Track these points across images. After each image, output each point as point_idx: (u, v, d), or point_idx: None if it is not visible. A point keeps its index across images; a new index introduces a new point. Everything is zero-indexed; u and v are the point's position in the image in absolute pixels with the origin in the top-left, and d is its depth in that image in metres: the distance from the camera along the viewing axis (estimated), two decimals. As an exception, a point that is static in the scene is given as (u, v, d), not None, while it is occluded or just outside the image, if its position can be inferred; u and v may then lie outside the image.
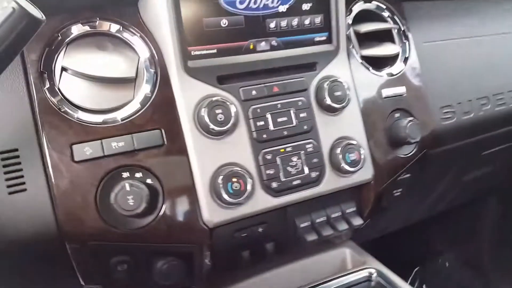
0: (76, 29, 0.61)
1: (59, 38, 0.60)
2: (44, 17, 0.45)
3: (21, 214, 0.56)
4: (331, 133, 0.71)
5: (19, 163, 0.56)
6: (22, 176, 0.56)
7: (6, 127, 0.57)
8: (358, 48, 0.81)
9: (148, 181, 0.59)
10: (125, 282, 0.62)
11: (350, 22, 0.81)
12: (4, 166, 0.56)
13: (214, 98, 0.62)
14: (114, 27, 0.63)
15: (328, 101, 0.70)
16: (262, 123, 0.66)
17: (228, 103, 0.63)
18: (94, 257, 0.60)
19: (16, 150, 0.57)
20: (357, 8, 0.83)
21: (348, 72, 0.76)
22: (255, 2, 0.66)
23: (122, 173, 0.58)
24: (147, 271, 0.63)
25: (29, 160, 0.57)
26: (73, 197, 0.56)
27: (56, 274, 0.65)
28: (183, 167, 0.62)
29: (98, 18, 0.62)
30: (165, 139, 0.61)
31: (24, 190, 0.56)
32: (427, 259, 1.62)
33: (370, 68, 0.81)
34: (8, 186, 0.55)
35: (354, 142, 0.71)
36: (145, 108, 0.61)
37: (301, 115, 0.69)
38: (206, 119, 0.61)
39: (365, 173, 0.74)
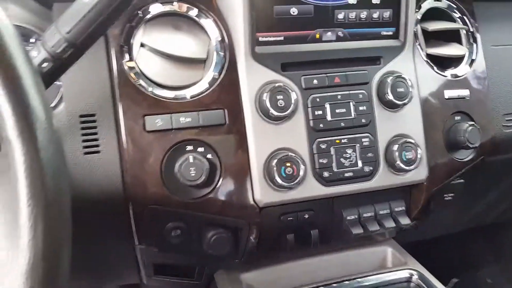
0: (155, 8, 0.65)
1: (140, 15, 0.64)
2: None
3: (93, 173, 0.62)
4: (389, 129, 0.71)
5: (95, 127, 0.62)
6: (97, 139, 0.62)
7: (87, 93, 0.62)
8: (424, 46, 0.79)
9: (209, 156, 0.63)
10: (176, 246, 0.66)
11: (419, 18, 0.80)
12: (82, 128, 0.62)
13: (276, 84, 0.64)
14: (190, 9, 0.66)
15: (389, 96, 0.70)
16: (320, 112, 0.67)
17: (289, 90, 0.65)
18: (152, 220, 0.64)
19: (94, 115, 0.62)
20: (427, 5, 0.81)
21: (412, 69, 0.75)
22: (325, -8, 0.67)
23: (187, 146, 0.62)
24: (197, 239, 0.67)
25: (105, 125, 0.62)
26: (141, 163, 0.61)
27: (114, 233, 0.70)
28: (241, 147, 0.65)
29: (176, 0, 0.65)
30: (227, 119, 0.64)
31: (98, 152, 0.62)
32: (467, 272, 1.57)
33: (435, 67, 0.79)
34: (84, 147, 0.61)
35: (412, 141, 0.71)
36: (212, 88, 0.65)
37: (361, 108, 0.69)
38: (267, 103, 0.63)
39: (419, 173, 0.74)
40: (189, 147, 0.62)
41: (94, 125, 0.62)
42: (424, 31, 0.80)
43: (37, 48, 0.48)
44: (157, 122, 0.61)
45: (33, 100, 0.32)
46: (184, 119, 0.62)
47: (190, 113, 0.63)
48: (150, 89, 0.63)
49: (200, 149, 0.63)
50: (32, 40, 0.68)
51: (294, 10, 0.66)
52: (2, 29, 0.32)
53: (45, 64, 0.47)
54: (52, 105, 0.64)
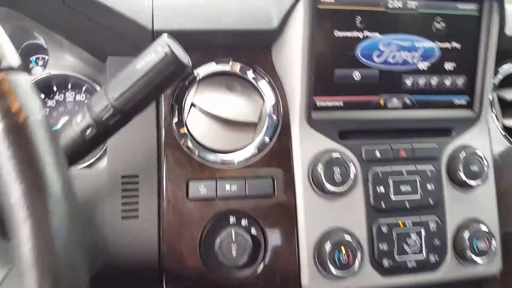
0: (210, 68, 0.62)
1: (193, 75, 0.61)
2: (190, 63, 0.45)
3: (128, 239, 0.57)
4: (460, 213, 0.62)
5: (137, 189, 0.58)
6: (137, 203, 0.57)
7: (132, 152, 0.59)
8: (501, 117, 0.70)
9: (253, 231, 0.57)
10: None
11: (496, 84, 0.71)
12: (123, 190, 0.58)
13: (333, 155, 0.58)
14: (245, 70, 0.62)
15: (461, 175, 0.61)
16: (382, 189, 0.60)
17: (347, 162, 0.58)
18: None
19: (137, 176, 0.58)
20: (506, 70, 0.73)
21: (488, 144, 0.66)
22: (393, 57, 0.61)
23: (230, 217, 0.57)
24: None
25: (147, 188, 0.58)
26: (180, 233, 0.56)
27: None
28: (289, 223, 0.58)
29: (231, 59, 0.62)
30: (276, 190, 0.58)
31: (137, 217, 0.57)
32: None
33: (513, 142, 0.69)
34: (123, 211, 0.57)
35: (485, 228, 0.61)
36: (261, 154, 0.59)
37: (428, 186, 0.61)
38: (322, 177, 0.57)
39: (492, 266, 0.63)
40: (232, 219, 0.57)
41: (135, 187, 0.58)
42: (502, 100, 0.71)
43: (83, 113, 0.45)
44: (200, 189, 0.56)
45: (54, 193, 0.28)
46: (229, 187, 0.57)
47: (237, 180, 0.57)
48: (196, 151, 0.59)
49: (244, 222, 0.57)
50: (84, 88, 0.68)
51: (357, 74, 0.61)
52: (33, 122, 0.29)
53: (89, 130, 0.44)
54: (90, 162, 0.61)
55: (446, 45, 0.63)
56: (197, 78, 0.61)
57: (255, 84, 0.63)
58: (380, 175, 0.60)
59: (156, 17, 0.56)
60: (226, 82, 0.62)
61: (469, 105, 0.65)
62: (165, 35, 0.44)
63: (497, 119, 0.70)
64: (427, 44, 0.62)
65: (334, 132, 0.61)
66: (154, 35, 0.56)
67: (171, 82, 0.45)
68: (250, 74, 0.62)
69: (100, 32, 0.58)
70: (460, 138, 0.64)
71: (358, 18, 0.59)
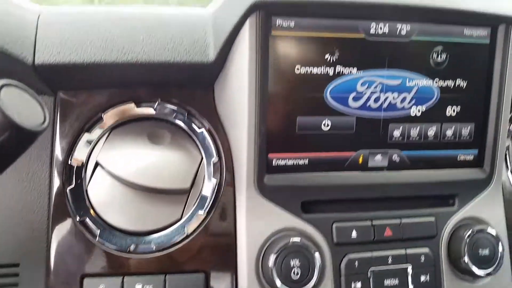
0: (126, 111, 0.45)
1: (102, 121, 0.44)
2: (45, 124, 0.29)
3: None
4: (466, 315, 0.46)
5: (16, 285, 0.41)
6: None
7: (12, 232, 0.42)
8: (519, 174, 0.55)
9: None
10: None
11: (511, 129, 0.56)
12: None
13: (291, 240, 0.41)
14: (177, 114, 0.46)
15: (466, 262, 0.46)
16: (359, 285, 0.43)
17: (311, 249, 0.42)
18: None
19: (17, 265, 0.42)
20: (523, 113, 0.57)
21: (502, 215, 0.51)
22: (376, 100, 0.45)
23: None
24: None
25: (29, 283, 0.41)
26: None
27: None
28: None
29: (159, 99, 0.46)
30: (210, 290, 0.42)
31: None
32: None
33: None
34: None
35: None
36: (192, 237, 0.43)
37: (422, 278, 0.46)
38: (274, 272, 0.41)
39: None
40: None
41: (14, 281, 0.42)
42: (518, 152, 0.56)
43: None
44: (99, 291, 0.40)
45: None
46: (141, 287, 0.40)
47: (153, 276, 0.42)
48: (98, 232, 0.42)
49: None
50: None
51: (327, 123, 0.45)
52: None
53: None
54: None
55: (448, 83, 0.47)
56: (108, 126, 0.45)
57: (190, 133, 0.46)
58: (357, 265, 0.44)
59: (40, 49, 0.40)
60: (149, 131, 0.45)
61: (478, 162, 0.50)
62: None
63: (512, 177, 0.54)
64: (423, 82, 0.46)
65: (295, 203, 0.45)
66: (36, 69, 0.40)
67: (11, 156, 0.29)
68: (183, 120, 0.46)
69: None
70: (465, 209, 0.50)
71: (329, 49, 0.43)
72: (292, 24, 0.42)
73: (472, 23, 0.47)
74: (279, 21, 0.41)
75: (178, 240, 0.43)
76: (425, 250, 0.47)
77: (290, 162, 0.45)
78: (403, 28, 0.45)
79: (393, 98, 0.46)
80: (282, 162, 0.45)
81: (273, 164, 0.45)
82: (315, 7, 0.41)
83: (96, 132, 0.44)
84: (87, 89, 0.43)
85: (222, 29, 0.42)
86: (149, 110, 0.46)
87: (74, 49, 0.40)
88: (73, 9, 0.43)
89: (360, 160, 0.47)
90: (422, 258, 0.46)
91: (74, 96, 0.44)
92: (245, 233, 0.43)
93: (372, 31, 0.44)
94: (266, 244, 0.43)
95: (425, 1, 0.43)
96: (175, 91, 0.46)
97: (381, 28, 0.44)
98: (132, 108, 0.45)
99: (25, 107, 0.29)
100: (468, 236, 0.47)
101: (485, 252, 0.47)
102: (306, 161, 0.46)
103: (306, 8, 0.41)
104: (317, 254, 0.42)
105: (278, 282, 0.41)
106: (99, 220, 0.43)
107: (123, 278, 0.41)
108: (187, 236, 0.43)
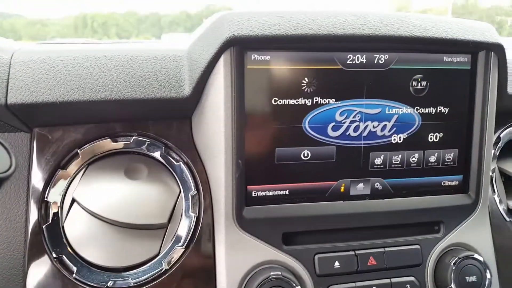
0: (103, 146, 0.45)
1: (78, 157, 0.44)
2: (9, 172, 0.28)
3: None
4: None
5: None
6: None
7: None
8: (505, 198, 0.54)
9: None
10: None
11: (496, 156, 0.55)
12: None
13: (272, 274, 0.41)
14: (154, 147, 0.46)
15: (454, 290, 0.44)
16: (343, 319, 0.43)
17: (292, 283, 0.41)
18: None
19: None
20: (508, 135, 0.56)
21: (489, 240, 0.49)
22: (356, 129, 0.45)
23: None
24: None
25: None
26: None
27: None
28: None
29: (136, 133, 0.45)
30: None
31: None
32: None
33: (523, 231, 0.52)
34: None
35: None
36: (170, 272, 0.42)
37: None
38: (255, 309, 0.40)
39: None
40: None
41: None
42: (504, 175, 0.55)
43: None
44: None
45: None
46: (118, 329, 0.40)
47: None
48: (75, 269, 0.41)
49: None
50: None
51: (306, 154, 0.44)
52: None
53: None
54: None
55: (429, 110, 0.47)
56: (85, 161, 0.44)
57: (167, 166, 0.46)
58: (341, 297, 0.43)
59: (13, 88, 0.40)
60: (125, 166, 0.45)
61: (463, 188, 0.49)
62: None
63: (499, 201, 0.53)
64: (403, 110, 0.46)
65: (276, 236, 0.44)
66: (10, 109, 0.40)
67: None
68: (160, 153, 0.46)
69: None
70: (451, 235, 0.49)
71: (305, 80, 0.43)
72: (267, 57, 0.42)
73: (452, 50, 0.46)
74: (254, 56, 0.41)
75: (156, 275, 0.42)
76: (411, 278, 0.46)
77: (270, 194, 0.45)
78: (381, 57, 0.44)
79: (373, 126, 0.45)
80: (261, 194, 0.45)
81: (253, 196, 0.44)
82: (288, 42, 0.41)
83: (73, 168, 0.44)
84: (63, 126, 0.43)
85: (197, 64, 0.42)
86: (125, 145, 0.46)
87: (48, 88, 0.40)
88: (47, 47, 0.43)
89: (342, 189, 0.46)
90: (408, 287, 0.45)
91: (50, 133, 0.43)
92: (224, 267, 0.42)
93: (349, 61, 0.43)
94: (246, 278, 0.42)
95: (403, 31, 0.43)
96: (151, 124, 0.46)
97: (358, 59, 0.44)
98: (108, 143, 0.45)
99: None
100: (454, 263, 0.46)
101: (472, 279, 0.46)
102: (287, 192, 0.45)
103: (280, 43, 0.41)
104: (298, 288, 0.42)
105: None
106: (76, 257, 0.42)
107: None
108: (165, 272, 0.43)
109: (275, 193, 0.45)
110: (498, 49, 0.46)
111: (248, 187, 0.44)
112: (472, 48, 0.46)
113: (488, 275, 0.46)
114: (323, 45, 0.42)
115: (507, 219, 0.52)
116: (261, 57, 0.41)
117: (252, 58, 0.41)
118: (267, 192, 0.45)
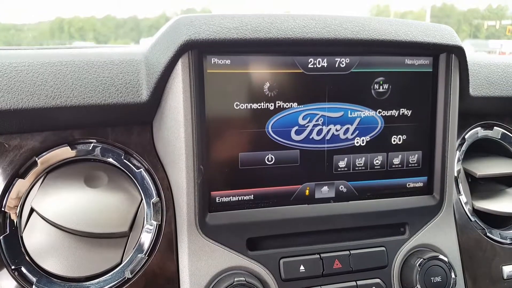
0: (61, 154, 0.44)
1: (36, 165, 0.43)
2: None
3: None
4: None
5: None
6: None
7: None
8: (470, 198, 0.54)
9: None
10: None
11: (461, 157, 0.55)
12: None
13: (236, 280, 0.40)
14: (114, 154, 0.45)
15: (419, 290, 0.45)
16: (307, 323, 0.42)
17: (257, 286, 0.40)
18: None
19: None
20: (472, 136, 0.57)
21: (455, 240, 0.50)
22: (319, 132, 0.45)
23: None
24: None
25: None
26: None
27: None
28: None
29: (95, 140, 0.44)
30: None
31: None
32: None
33: (487, 231, 0.53)
34: None
35: None
36: (133, 280, 0.42)
37: None
38: (219, 315, 0.39)
39: None
40: None
41: None
42: (469, 175, 0.56)
43: None
44: None
45: None
46: None
47: None
48: (34, 280, 0.40)
49: None
50: None
51: (270, 158, 0.44)
52: None
53: None
54: None
55: (392, 112, 0.47)
56: (43, 170, 0.43)
57: (128, 173, 0.45)
58: (305, 301, 0.43)
59: None
60: (85, 173, 0.44)
61: (428, 190, 0.50)
62: None
63: (464, 202, 0.54)
64: (366, 113, 0.46)
65: (240, 241, 0.44)
66: None
67: None
68: (120, 160, 0.45)
69: None
70: (416, 236, 0.49)
71: (267, 84, 0.43)
72: (228, 61, 0.41)
73: (413, 53, 0.47)
74: (214, 60, 0.41)
75: (119, 284, 0.41)
76: (377, 280, 0.46)
77: (234, 199, 0.44)
78: (342, 61, 0.44)
79: (336, 130, 0.46)
80: (226, 199, 0.44)
81: (217, 202, 0.44)
82: (247, 45, 0.40)
83: (31, 177, 0.43)
84: (20, 133, 0.42)
85: (154, 69, 0.41)
86: (84, 152, 0.44)
87: (1, 95, 0.39)
88: (1, 52, 0.42)
89: (307, 192, 0.46)
90: (373, 291, 0.46)
91: (6, 141, 0.42)
92: (188, 275, 0.42)
93: (310, 65, 0.43)
94: (211, 285, 0.42)
95: (363, 34, 0.43)
96: (111, 130, 0.45)
97: (319, 62, 0.44)
98: (67, 151, 0.44)
99: None
100: (420, 264, 0.46)
101: (438, 279, 0.46)
102: (251, 197, 0.45)
103: (238, 47, 0.41)
104: (263, 294, 0.41)
105: None
106: (36, 268, 0.41)
107: None
108: (128, 280, 0.42)
109: (240, 198, 0.44)
110: (459, 51, 0.47)
111: (212, 192, 0.43)
112: (432, 50, 0.47)
113: (453, 275, 0.46)
114: (284, 49, 0.42)
115: (472, 219, 0.53)
116: (221, 61, 0.41)
117: (212, 62, 0.41)
118: (231, 197, 0.44)
